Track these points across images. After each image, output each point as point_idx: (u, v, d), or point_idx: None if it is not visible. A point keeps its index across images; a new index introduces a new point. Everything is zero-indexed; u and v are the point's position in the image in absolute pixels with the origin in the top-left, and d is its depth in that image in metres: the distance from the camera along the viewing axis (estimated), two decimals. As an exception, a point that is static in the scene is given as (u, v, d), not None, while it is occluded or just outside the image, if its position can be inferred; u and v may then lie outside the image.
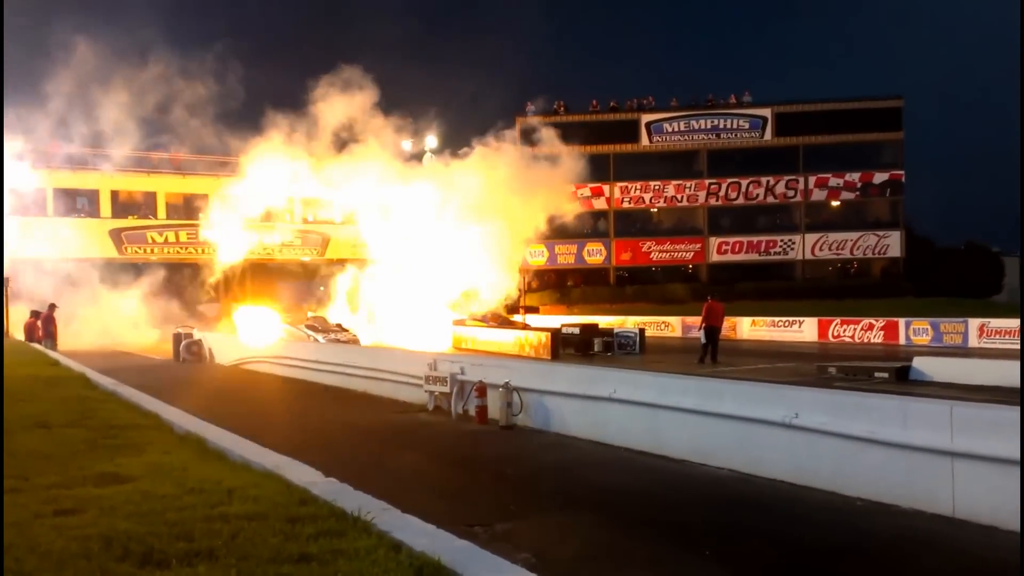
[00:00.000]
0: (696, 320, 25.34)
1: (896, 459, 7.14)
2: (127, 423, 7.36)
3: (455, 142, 47.69)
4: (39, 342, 22.76)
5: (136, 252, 45.28)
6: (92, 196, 45.30)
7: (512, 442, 10.83)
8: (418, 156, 53.75)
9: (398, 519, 3.95)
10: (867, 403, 7.73)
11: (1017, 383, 12.75)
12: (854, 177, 56.17)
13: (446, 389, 13.18)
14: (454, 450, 10.43)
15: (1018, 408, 6.38)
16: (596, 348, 25.54)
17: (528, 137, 58.42)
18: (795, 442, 8.07)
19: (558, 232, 58.32)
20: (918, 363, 16.74)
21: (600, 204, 58.18)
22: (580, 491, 8.13)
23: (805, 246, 56.46)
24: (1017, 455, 6.13)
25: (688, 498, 7.87)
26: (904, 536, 6.41)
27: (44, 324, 23.39)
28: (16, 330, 27.38)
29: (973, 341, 26.25)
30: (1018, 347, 23.15)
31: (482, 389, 12.24)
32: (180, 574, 3.14)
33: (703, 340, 21.83)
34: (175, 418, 7.67)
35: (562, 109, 59.06)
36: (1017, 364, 14.47)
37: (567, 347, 25.06)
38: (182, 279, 44.12)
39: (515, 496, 7.91)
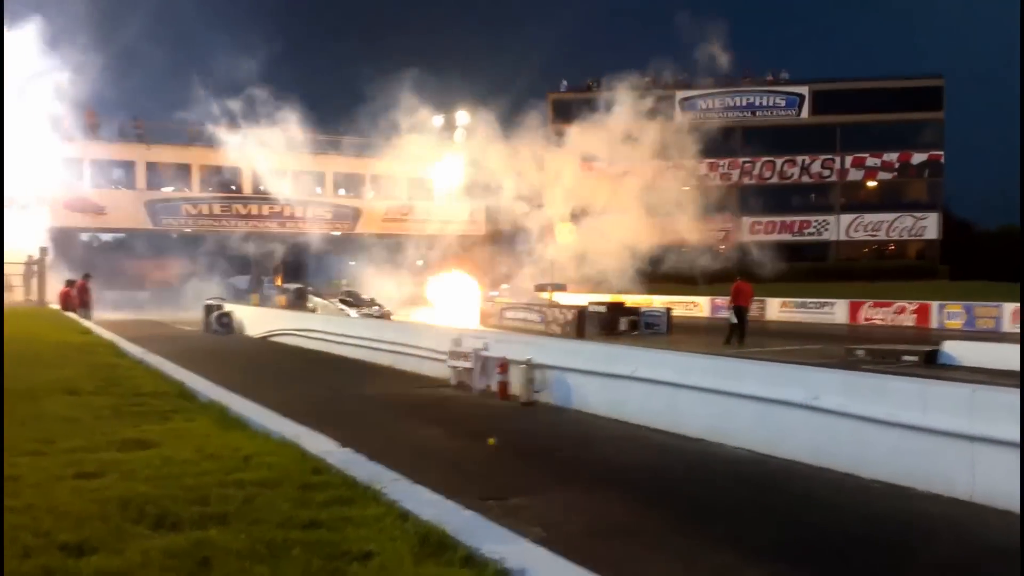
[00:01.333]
0: (724, 300, 25.16)
1: (915, 442, 7.11)
2: (153, 391, 7.52)
3: (487, 118, 47.48)
4: (74, 311, 23.20)
5: (171, 224, 45.87)
6: (128, 167, 45.87)
7: (532, 418, 10.92)
8: (449, 131, 53.82)
9: (408, 489, 4.02)
10: (887, 386, 7.69)
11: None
12: (892, 157, 55.21)
13: (469, 365, 13.29)
14: (474, 425, 10.53)
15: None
16: (622, 327, 25.50)
17: (560, 112, 58.20)
18: (814, 423, 8.05)
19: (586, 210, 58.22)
20: (948, 347, 16.54)
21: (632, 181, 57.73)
22: (597, 468, 8.19)
23: (840, 227, 55.72)
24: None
25: (704, 477, 7.90)
26: (920, 520, 6.39)
27: (79, 293, 23.83)
28: (53, 300, 27.95)
29: (1007, 326, 25.82)
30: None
31: (504, 365, 12.32)
32: (191, 536, 3.23)
33: (731, 320, 21.71)
34: (200, 387, 7.82)
35: (595, 85, 58.56)
36: None
37: (593, 325, 25.04)
38: (215, 249, 44.66)
39: (531, 472, 8.00)
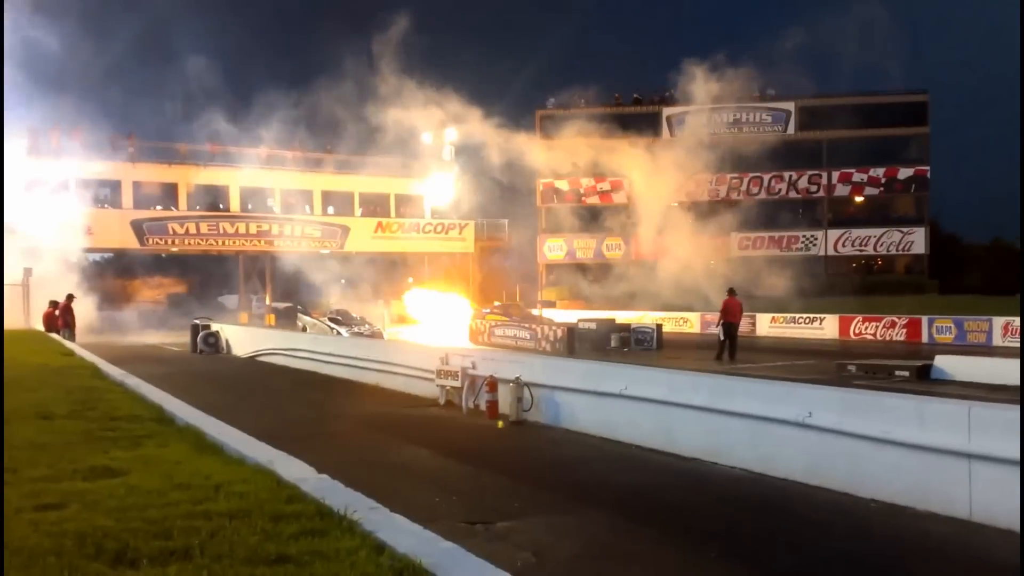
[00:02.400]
0: (715, 316, 25.02)
1: (912, 460, 6.94)
2: (129, 414, 7.29)
3: (475, 135, 47.52)
4: (58, 332, 22.87)
5: (157, 243, 45.50)
6: (114, 186, 45.54)
7: (521, 438, 10.71)
8: (439, 148, 53.79)
9: (385, 519, 3.82)
10: (883, 402, 7.52)
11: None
12: (878, 172, 55.39)
13: (457, 383, 13.08)
14: (462, 445, 10.32)
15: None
16: (613, 344, 25.32)
17: (547, 129, 58.24)
18: (808, 441, 7.88)
19: (577, 226, 58.21)
20: (940, 362, 16.41)
21: (620, 198, 57.82)
22: (587, 489, 7.99)
23: (828, 242, 55.77)
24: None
25: (697, 497, 7.70)
26: (918, 540, 6.22)
27: (62, 314, 23.50)
28: (36, 321, 27.60)
29: (997, 340, 25.76)
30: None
31: (493, 384, 12.11)
32: (150, 573, 3.03)
33: (721, 337, 21.57)
34: (178, 410, 7.59)
35: (582, 102, 58.70)
36: None
37: (584, 343, 24.85)
38: (203, 269, 44.36)
39: (520, 493, 7.78)
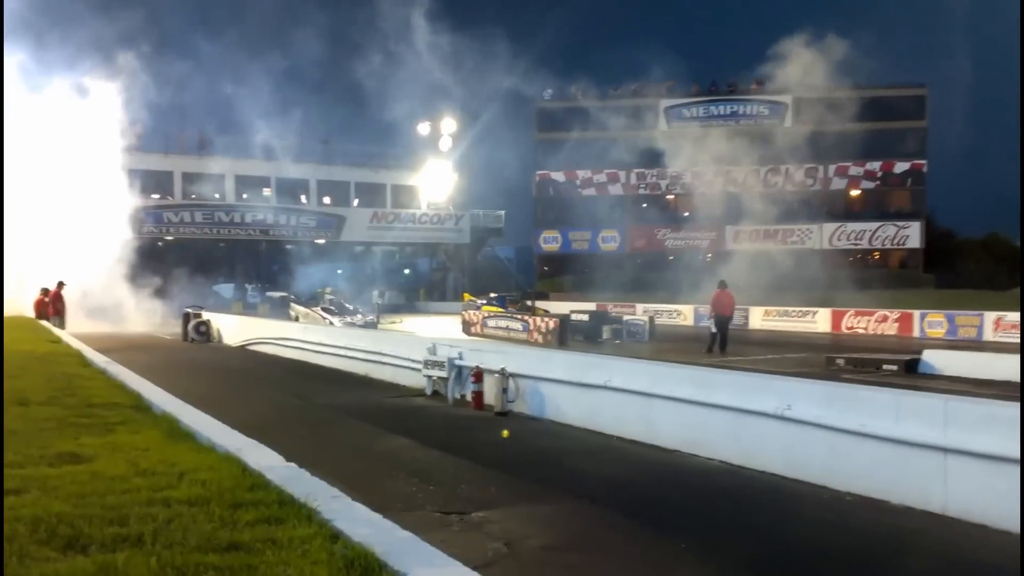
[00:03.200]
0: (708, 309, 25.03)
1: (888, 453, 6.94)
2: (106, 402, 7.28)
3: (471, 125, 47.52)
4: (48, 319, 22.85)
5: (152, 232, 45.43)
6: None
7: (504, 428, 10.69)
8: (435, 139, 53.68)
9: (346, 507, 3.81)
10: (860, 395, 7.51)
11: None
12: (875, 166, 55.41)
13: (444, 374, 13.08)
14: (445, 436, 10.31)
15: (1015, 404, 6.16)
16: (605, 336, 25.33)
17: (545, 122, 58.15)
18: (788, 434, 7.87)
19: (573, 218, 58.16)
20: (928, 356, 16.44)
21: (616, 190, 57.77)
22: (567, 480, 7.98)
23: (823, 236, 55.80)
24: (1011, 452, 5.91)
25: (675, 489, 7.70)
26: (893, 534, 6.21)
27: (52, 301, 23.47)
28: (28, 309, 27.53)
29: (988, 335, 25.81)
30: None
31: (479, 374, 12.11)
32: (98, 559, 3.01)
33: (712, 329, 21.58)
34: (156, 398, 7.58)
35: (579, 94, 58.60)
36: None
37: (576, 334, 24.86)
38: (198, 258, 44.30)
39: (499, 484, 7.78)
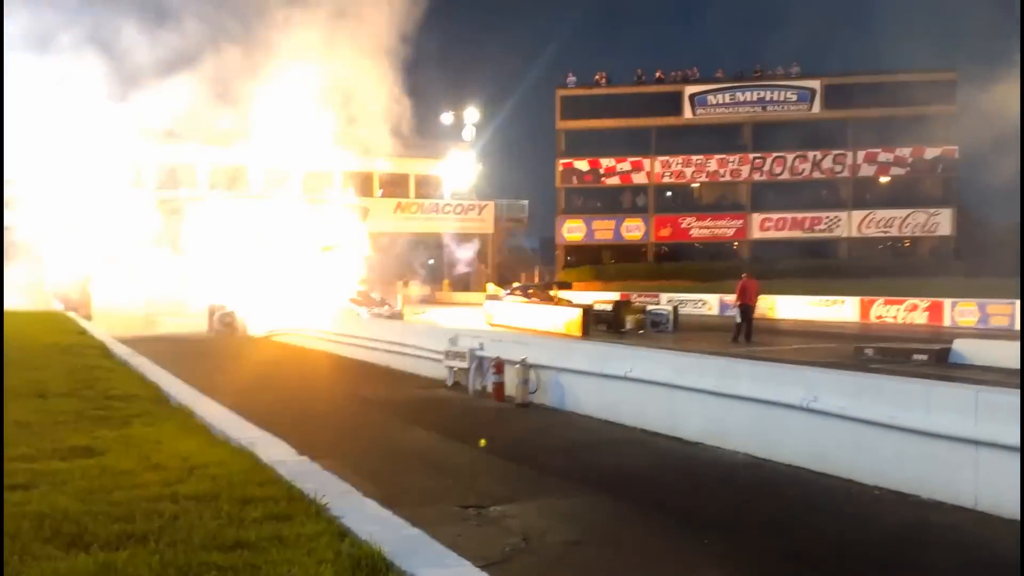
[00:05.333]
0: (733, 298, 24.76)
1: (918, 446, 6.76)
2: (125, 394, 7.27)
3: (494, 113, 47.39)
4: (75, 311, 23.11)
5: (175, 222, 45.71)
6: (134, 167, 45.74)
7: (526, 420, 10.61)
8: (458, 128, 53.58)
9: (355, 503, 3.73)
10: (889, 386, 7.33)
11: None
12: (905, 152, 54.43)
13: (465, 365, 13.00)
14: (466, 427, 10.22)
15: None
16: (628, 326, 25.11)
17: (568, 109, 57.78)
18: (813, 426, 7.71)
19: (596, 207, 57.87)
20: (958, 345, 16.11)
21: (640, 178, 57.32)
22: (587, 473, 7.88)
23: (852, 223, 54.98)
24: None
25: (698, 482, 7.57)
26: (922, 529, 6.05)
27: (80, 293, 23.74)
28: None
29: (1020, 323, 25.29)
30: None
31: (500, 366, 12.02)
32: (99, 558, 2.96)
33: (737, 319, 21.33)
34: (175, 390, 7.57)
35: (603, 81, 58.13)
36: None
37: (599, 324, 24.69)
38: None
39: (519, 477, 7.70)
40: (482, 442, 8.86)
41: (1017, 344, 16.87)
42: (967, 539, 5.81)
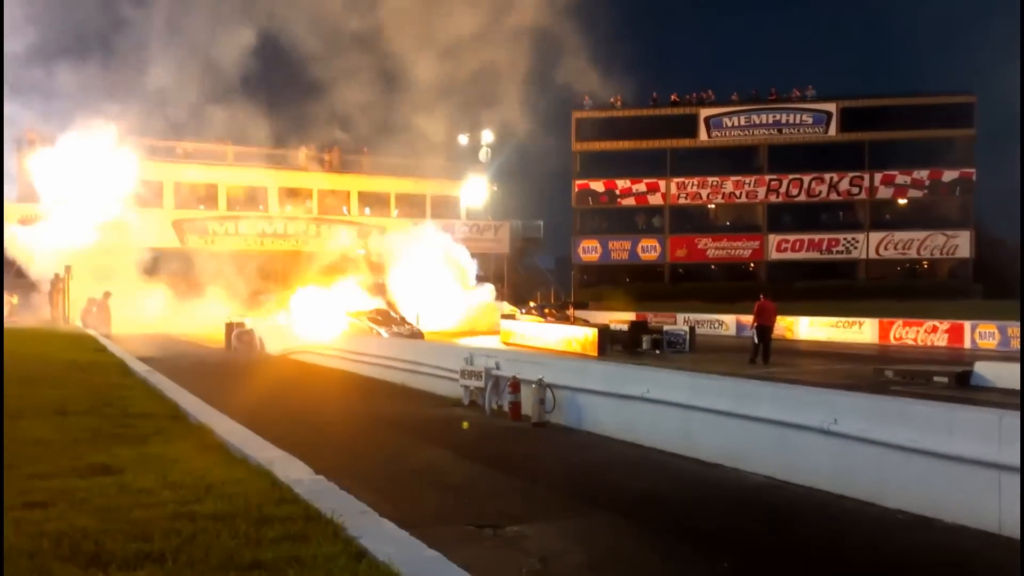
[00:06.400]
0: (750, 319, 24.63)
1: (940, 470, 6.65)
2: (143, 412, 7.30)
3: (509, 136, 47.56)
4: (95, 328, 23.28)
5: (197, 242, 46.19)
6: (156, 187, 46.31)
7: (542, 440, 10.55)
8: (474, 150, 53.85)
9: (373, 523, 3.71)
10: (911, 410, 7.23)
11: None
12: (922, 175, 54.22)
13: (481, 384, 12.96)
14: (481, 447, 10.20)
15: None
16: (644, 346, 25.01)
17: (583, 131, 57.99)
18: (833, 449, 7.61)
19: (612, 227, 57.89)
20: (980, 368, 15.91)
21: (656, 200, 57.35)
22: (604, 494, 7.81)
23: (869, 245, 54.72)
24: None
25: (716, 505, 7.48)
26: (944, 555, 5.95)
27: (99, 311, 23.93)
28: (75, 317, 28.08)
29: (1043, 346, 24.96)
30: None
31: (516, 385, 11.97)
32: (116, 578, 2.95)
33: (755, 340, 21.19)
34: (192, 408, 7.59)
35: (619, 103, 58.33)
36: None
37: (615, 344, 24.60)
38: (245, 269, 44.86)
39: (535, 497, 7.64)
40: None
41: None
42: (991, 563, 5.71)
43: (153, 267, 36.71)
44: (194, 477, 4.52)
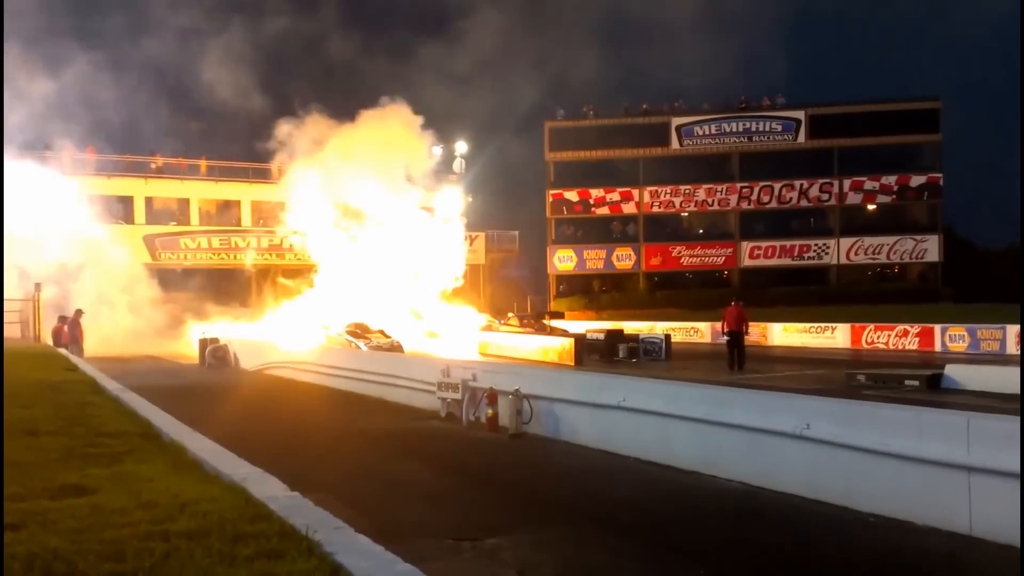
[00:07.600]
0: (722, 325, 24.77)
1: (911, 473, 6.76)
2: (116, 430, 7.21)
3: (484, 146, 47.63)
4: (65, 347, 22.94)
5: (170, 258, 45.77)
6: (127, 203, 45.89)
7: (519, 451, 10.57)
8: (448, 161, 53.84)
9: (348, 539, 3.70)
10: (881, 413, 7.35)
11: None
12: (890, 180, 54.99)
13: (458, 396, 12.97)
14: (459, 459, 10.20)
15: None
16: (621, 354, 25.14)
17: (556, 141, 58.23)
18: (807, 454, 7.70)
19: (587, 237, 58.11)
20: (950, 371, 16.15)
21: (629, 208, 57.66)
22: (582, 503, 7.84)
23: (840, 251, 55.37)
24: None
25: (692, 512, 7.54)
26: (917, 556, 6.03)
27: (70, 329, 23.60)
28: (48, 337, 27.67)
29: (1011, 347, 25.38)
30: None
31: (493, 396, 11.99)
32: (89, 599, 2.93)
33: (728, 347, 21.37)
34: (165, 426, 7.51)
35: (591, 113, 58.67)
36: None
37: (592, 353, 24.69)
38: (218, 284, 44.51)
39: (513, 508, 7.65)
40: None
41: (1008, 369, 16.95)
42: (963, 564, 5.80)
43: (126, 284, 36.34)
44: (168, 496, 4.48)
